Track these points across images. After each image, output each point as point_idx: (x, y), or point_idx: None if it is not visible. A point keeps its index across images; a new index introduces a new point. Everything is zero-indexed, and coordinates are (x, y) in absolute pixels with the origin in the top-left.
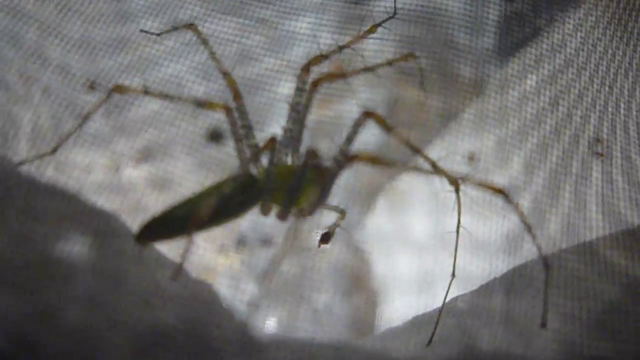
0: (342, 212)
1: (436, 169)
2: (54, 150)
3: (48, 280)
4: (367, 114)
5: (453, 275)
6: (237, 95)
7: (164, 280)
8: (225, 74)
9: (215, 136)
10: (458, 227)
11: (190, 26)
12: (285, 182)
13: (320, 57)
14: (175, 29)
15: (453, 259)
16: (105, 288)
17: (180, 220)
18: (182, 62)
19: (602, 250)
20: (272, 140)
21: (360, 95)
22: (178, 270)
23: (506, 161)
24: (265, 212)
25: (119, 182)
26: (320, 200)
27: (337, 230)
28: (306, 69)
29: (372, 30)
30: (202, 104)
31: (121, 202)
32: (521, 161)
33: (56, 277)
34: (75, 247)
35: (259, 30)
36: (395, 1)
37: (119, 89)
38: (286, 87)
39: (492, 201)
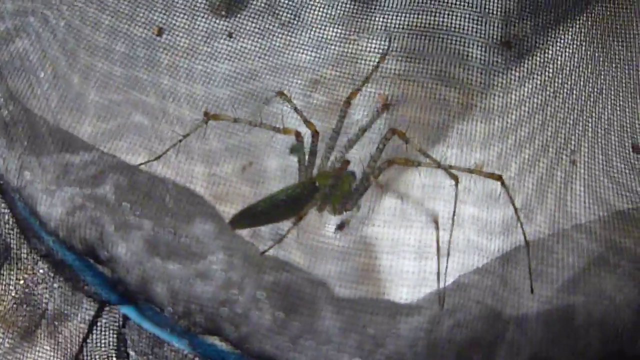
0: (358, 207)
1: (442, 167)
2: (157, 157)
3: None
4: (393, 131)
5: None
6: (315, 134)
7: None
8: (306, 122)
9: (294, 150)
10: (454, 216)
11: (281, 94)
12: (337, 187)
13: (356, 92)
14: (267, 101)
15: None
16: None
17: (261, 213)
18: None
19: (573, 233)
20: (346, 162)
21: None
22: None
23: (505, 169)
24: (321, 209)
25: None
26: (358, 198)
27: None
28: (347, 102)
29: (382, 60)
30: (279, 130)
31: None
32: (517, 168)
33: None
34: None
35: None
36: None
37: (215, 117)
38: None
39: (493, 195)
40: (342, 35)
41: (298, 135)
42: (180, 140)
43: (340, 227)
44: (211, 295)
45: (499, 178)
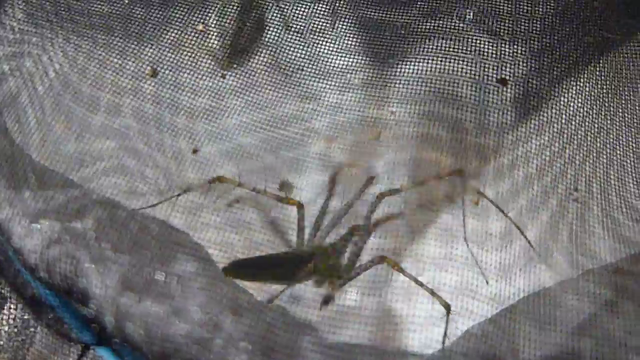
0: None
1: (433, 294)
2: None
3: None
4: (382, 258)
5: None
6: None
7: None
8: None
9: (283, 186)
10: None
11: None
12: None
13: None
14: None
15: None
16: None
17: (255, 269)
18: None
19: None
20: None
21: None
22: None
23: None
24: (318, 284)
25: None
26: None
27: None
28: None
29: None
30: (281, 199)
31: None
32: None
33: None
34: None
35: None
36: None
37: (220, 179)
38: None
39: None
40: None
41: (300, 206)
42: (179, 195)
43: (326, 301)
44: (186, 334)
45: (460, 172)
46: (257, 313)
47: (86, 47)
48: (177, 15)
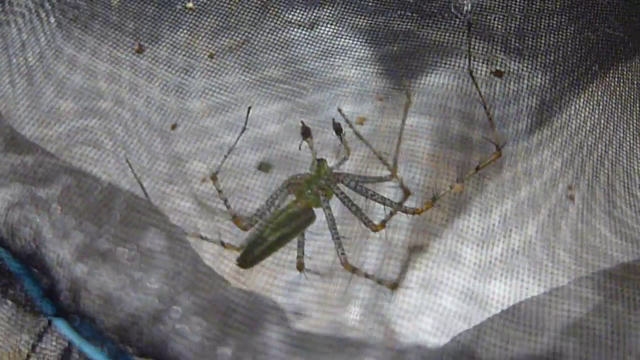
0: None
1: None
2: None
3: None
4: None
5: None
6: None
7: None
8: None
9: (263, 167)
10: None
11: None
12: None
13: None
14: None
15: None
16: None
17: (269, 244)
18: None
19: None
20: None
21: None
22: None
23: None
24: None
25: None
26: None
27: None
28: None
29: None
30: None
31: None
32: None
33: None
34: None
35: None
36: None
37: (229, 247)
38: None
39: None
40: None
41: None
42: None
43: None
44: (144, 307)
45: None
46: (219, 290)
47: (71, 14)
48: None
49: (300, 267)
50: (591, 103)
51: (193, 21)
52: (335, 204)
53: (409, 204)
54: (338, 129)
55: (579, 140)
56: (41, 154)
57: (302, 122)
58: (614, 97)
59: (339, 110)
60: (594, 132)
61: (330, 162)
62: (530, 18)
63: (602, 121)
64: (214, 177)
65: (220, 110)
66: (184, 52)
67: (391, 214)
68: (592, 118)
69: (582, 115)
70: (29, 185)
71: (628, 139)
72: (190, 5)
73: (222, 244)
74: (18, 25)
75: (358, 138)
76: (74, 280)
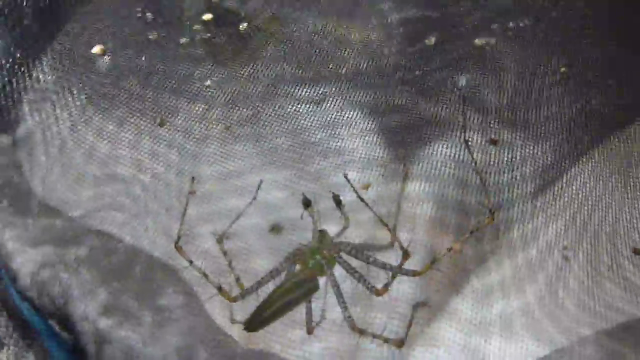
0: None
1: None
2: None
3: None
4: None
5: None
6: None
7: None
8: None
9: (274, 229)
10: None
11: None
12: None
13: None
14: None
15: None
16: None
17: (275, 309)
18: None
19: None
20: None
21: None
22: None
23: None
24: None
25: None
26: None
27: None
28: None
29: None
30: None
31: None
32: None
33: None
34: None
35: None
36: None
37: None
38: None
39: None
40: None
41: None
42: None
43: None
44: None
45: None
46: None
47: (96, 100)
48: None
49: (310, 331)
50: (585, 172)
51: (210, 95)
52: (338, 269)
53: (410, 264)
54: (338, 201)
55: (572, 211)
56: (69, 217)
57: (302, 194)
58: (607, 166)
59: (345, 176)
60: (588, 200)
61: (334, 228)
62: (521, 93)
63: (598, 189)
64: (220, 240)
65: (229, 177)
66: (199, 123)
67: (393, 277)
68: (586, 187)
69: (575, 185)
70: (58, 247)
71: (621, 207)
72: (208, 83)
73: (220, 288)
74: (52, 101)
75: (362, 202)
76: (99, 334)
